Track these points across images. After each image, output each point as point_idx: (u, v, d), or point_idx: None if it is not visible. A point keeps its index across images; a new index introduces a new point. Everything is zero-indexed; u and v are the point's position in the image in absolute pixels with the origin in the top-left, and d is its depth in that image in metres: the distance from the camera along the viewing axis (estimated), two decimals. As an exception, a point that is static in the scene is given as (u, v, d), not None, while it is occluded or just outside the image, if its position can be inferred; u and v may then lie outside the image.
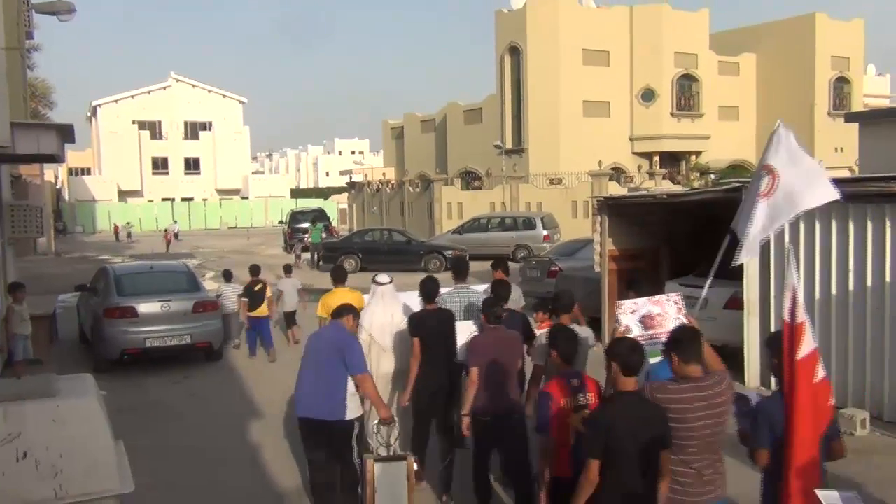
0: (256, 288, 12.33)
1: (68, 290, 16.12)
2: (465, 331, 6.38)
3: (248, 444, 8.16)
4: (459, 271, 7.52)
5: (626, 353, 4.05)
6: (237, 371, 11.56)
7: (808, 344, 4.06)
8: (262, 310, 12.25)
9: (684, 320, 5.27)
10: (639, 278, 7.43)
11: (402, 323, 6.83)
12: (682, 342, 4.16)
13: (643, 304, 5.50)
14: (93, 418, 4.59)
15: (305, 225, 31.89)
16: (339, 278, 8.82)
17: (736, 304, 9.80)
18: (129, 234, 47.98)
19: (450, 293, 7.13)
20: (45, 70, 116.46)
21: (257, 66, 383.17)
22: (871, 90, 61.67)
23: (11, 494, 4.28)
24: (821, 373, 4.11)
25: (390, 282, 7.20)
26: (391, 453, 5.90)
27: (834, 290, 8.36)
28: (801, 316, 4.08)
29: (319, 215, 34.41)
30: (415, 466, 5.82)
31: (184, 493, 6.87)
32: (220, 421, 9.03)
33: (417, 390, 6.44)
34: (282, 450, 7.85)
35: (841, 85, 51.53)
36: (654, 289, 7.11)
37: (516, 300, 7.39)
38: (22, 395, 4.62)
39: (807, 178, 5.18)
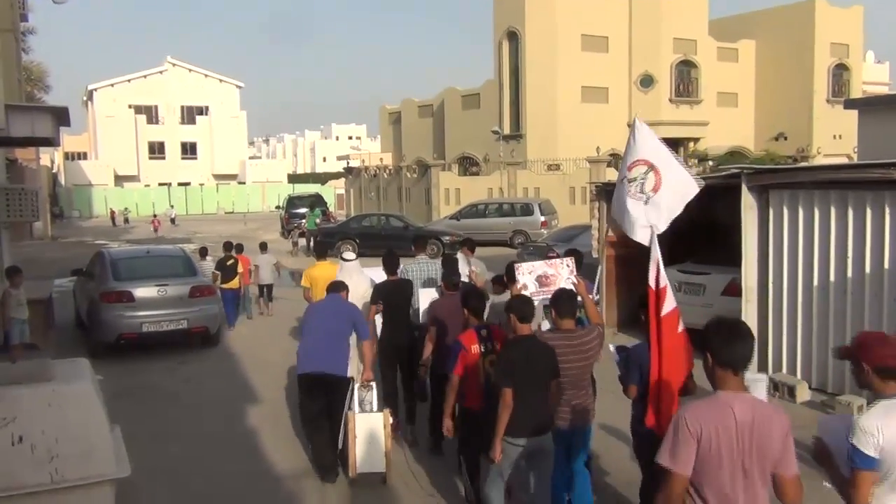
0: (228, 263, 13.57)
1: (64, 275, 16.11)
2: (426, 296, 7.54)
3: (245, 427, 8.15)
4: (419, 244, 9.12)
5: (519, 306, 5.12)
6: (233, 355, 11.56)
7: (669, 303, 4.87)
8: (233, 283, 13.45)
9: (575, 280, 6.12)
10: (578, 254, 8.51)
11: (366, 293, 7.95)
12: (558, 302, 5.26)
13: (539, 266, 6.32)
14: (89, 403, 4.58)
15: (303, 210, 31.73)
16: (322, 253, 11.03)
17: (734, 290, 9.79)
18: (126, 220, 47.86)
19: (413, 262, 8.41)
20: (40, 54, 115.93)
21: (254, 50, 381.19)
22: (870, 77, 61.55)
23: (7, 479, 4.27)
24: (681, 326, 4.90)
25: (355, 258, 8.61)
26: (371, 409, 6.63)
27: (832, 277, 8.35)
28: (664, 282, 4.91)
29: (317, 201, 34.25)
30: (390, 419, 6.56)
31: (181, 477, 6.86)
32: (216, 405, 9.03)
33: (382, 349, 7.43)
34: (279, 433, 7.85)
35: (840, 72, 51.35)
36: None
37: (480, 273, 8.69)
38: (18, 379, 4.61)
39: (680, 172, 5.21)
